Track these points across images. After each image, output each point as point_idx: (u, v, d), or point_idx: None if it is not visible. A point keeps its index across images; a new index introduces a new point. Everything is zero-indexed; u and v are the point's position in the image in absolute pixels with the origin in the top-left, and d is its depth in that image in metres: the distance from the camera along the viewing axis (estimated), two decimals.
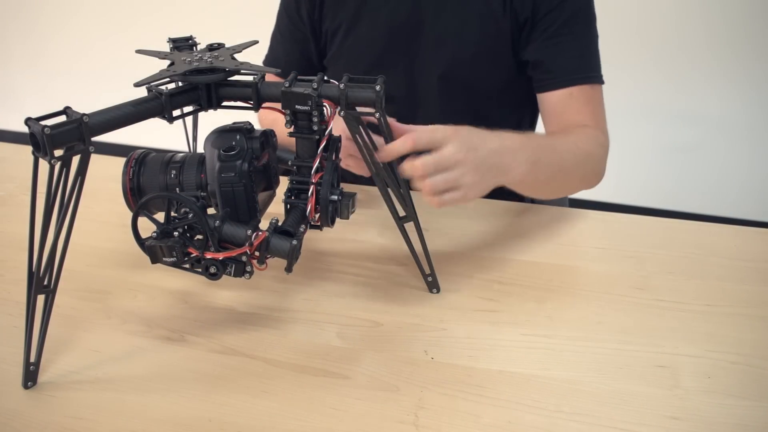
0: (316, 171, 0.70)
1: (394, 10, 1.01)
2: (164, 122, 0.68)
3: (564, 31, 0.97)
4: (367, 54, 1.04)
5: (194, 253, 0.65)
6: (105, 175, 0.82)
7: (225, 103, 0.71)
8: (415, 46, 1.02)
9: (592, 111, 0.97)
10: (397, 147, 0.71)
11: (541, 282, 0.83)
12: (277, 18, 1.12)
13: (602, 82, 1.00)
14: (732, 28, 1.90)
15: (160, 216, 0.66)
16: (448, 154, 0.72)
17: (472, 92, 1.05)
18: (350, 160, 0.87)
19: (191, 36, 0.75)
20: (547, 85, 0.99)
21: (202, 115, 0.74)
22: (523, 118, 1.13)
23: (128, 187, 0.73)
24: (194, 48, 0.75)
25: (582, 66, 0.98)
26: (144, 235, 0.66)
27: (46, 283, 0.63)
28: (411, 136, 0.71)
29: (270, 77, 1.09)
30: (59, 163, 0.58)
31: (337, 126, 0.79)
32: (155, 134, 1.25)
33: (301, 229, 0.68)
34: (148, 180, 0.73)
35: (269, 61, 1.13)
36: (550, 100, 0.99)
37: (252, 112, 0.71)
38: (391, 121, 0.73)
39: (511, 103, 1.08)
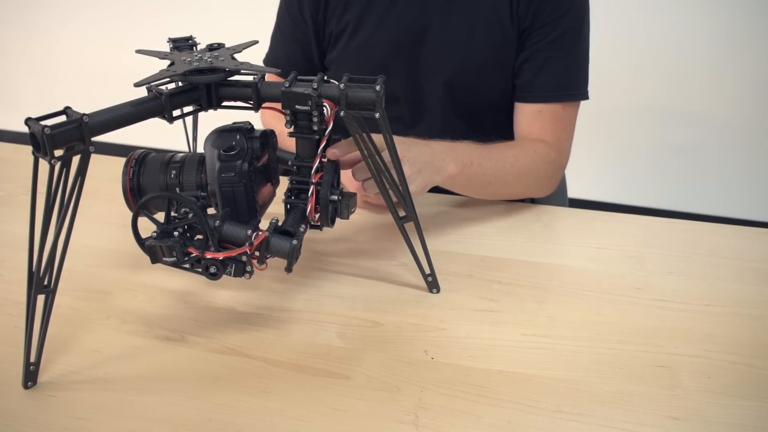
0: (316, 171, 0.70)
1: (401, 15, 1.00)
2: (164, 122, 0.68)
3: (553, 47, 0.99)
4: (372, 58, 1.03)
5: (194, 253, 0.65)
6: (105, 175, 0.83)
7: (225, 103, 0.71)
8: (421, 52, 1.02)
9: (555, 130, 1.01)
10: (337, 153, 0.73)
11: (541, 282, 0.83)
12: (278, 16, 1.11)
13: (583, 99, 1.02)
14: (732, 28, 1.90)
15: (160, 216, 0.66)
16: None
17: (478, 99, 1.05)
18: (372, 199, 0.90)
19: (191, 36, 0.75)
20: (521, 97, 1.03)
21: (202, 115, 0.74)
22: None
23: (128, 187, 0.73)
24: (194, 48, 0.75)
25: (561, 84, 1.00)
26: (144, 235, 0.66)
27: (46, 283, 0.63)
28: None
29: (270, 77, 1.10)
30: (59, 163, 0.58)
31: (352, 185, 0.86)
32: (155, 134, 1.25)
33: (301, 229, 0.68)
34: (148, 180, 0.73)
35: (270, 60, 1.12)
36: (522, 110, 1.03)
37: (252, 112, 0.71)
38: None
39: (510, 109, 1.08)
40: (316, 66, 1.10)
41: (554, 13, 0.97)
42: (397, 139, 0.83)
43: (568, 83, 1.01)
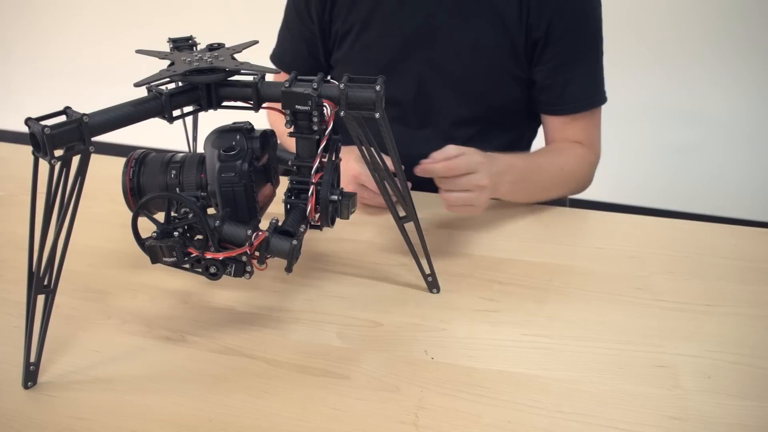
0: (316, 171, 0.70)
1: (408, 17, 1.00)
2: (164, 122, 0.68)
3: (575, 58, 1.00)
4: (378, 59, 1.03)
5: (194, 253, 0.65)
6: (105, 175, 0.82)
7: (225, 103, 0.71)
8: (428, 55, 1.01)
9: (588, 134, 1.05)
10: (439, 170, 0.83)
11: (541, 282, 0.83)
12: (285, 13, 1.11)
13: (604, 102, 1.04)
14: (732, 28, 1.90)
15: (160, 216, 0.66)
16: (477, 180, 0.85)
17: (483, 103, 1.05)
18: (365, 192, 0.90)
19: (191, 36, 0.75)
20: (552, 110, 1.04)
21: (202, 115, 0.73)
22: (524, 131, 1.13)
23: (128, 187, 0.73)
24: (194, 48, 0.75)
25: (588, 93, 1.03)
26: (144, 235, 0.66)
27: (46, 283, 0.63)
28: (450, 164, 0.84)
29: (278, 75, 1.11)
30: (59, 163, 0.58)
31: (347, 176, 0.89)
32: (155, 134, 1.25)
33: (301, 229, 0.68)
34: (148, 180, 0.73)
35: (276, 56, 1.13)
36: (553, 122, 1.05)
37: (252, 112, 0.71)
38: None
39: (517, 115, 1.08)
40: (322, 64, 1.10)
41: (571, 23, 0.97)
42: (478, 154, 0.86)
43: (595, 91, 1.03)
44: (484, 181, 0.85)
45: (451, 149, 0.84)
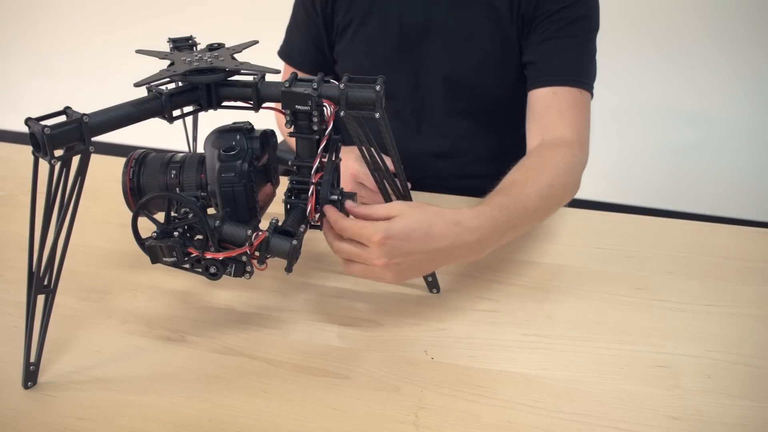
0: (316, 171, 0.70)
1: (405, 10, 1.01)
2: (164, 122, 0.68)
3: (561, 34, 0.97)
4: (377, 51, 1.04)
5: (194, 253, 0.65)
6: (105, 175, 0.82)
7: (225, 103, 0.71)
8: (424, 47, 1.02)
9: (573, 117, 0.93)
10: (330, 219, 0.70)
11: (541, 282, 0.83)
12: (294, 9, 1.13)
13: (590, 87, 0.97)
14: (732, 28, 1.90)
15: (160, 216, 0.66)
16: (367, 256, 0.68)
17: (478, 96, 1.05)
18: (363, 190, 0.89)
19: (191, 36, 0.75)
20: (535, 83, 0.97)
21: (202, 115, 0.74)
22: (520, 129, 1.13)
23: (128, 187, 0.73)
24: (194, 48, 0.75)
25: (572, 69, 0.96)
26: (144, 235, 0.66)
27: (46, 283, 0.63)
28: (339, 224, 0.69)
29: (284, 70, 1.12)
30: (59, 163, 0.59)
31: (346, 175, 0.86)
32: (155, 134, 1.25)
33: (301, 229, 0.68)
34: (148, 180, 0.73)
35: (284, 52, 1.14)
36: (535, 97, 0.97)
37: (252, 112, 0.71)
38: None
39: (514, 108, 1.08)
40: (328, 59, 1.11)
41: (560, 2, 0.96)
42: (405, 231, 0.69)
43: (580, 70, 0.97)
44: (378, 261, 0.68)
45: (390, 207, 0.70)
